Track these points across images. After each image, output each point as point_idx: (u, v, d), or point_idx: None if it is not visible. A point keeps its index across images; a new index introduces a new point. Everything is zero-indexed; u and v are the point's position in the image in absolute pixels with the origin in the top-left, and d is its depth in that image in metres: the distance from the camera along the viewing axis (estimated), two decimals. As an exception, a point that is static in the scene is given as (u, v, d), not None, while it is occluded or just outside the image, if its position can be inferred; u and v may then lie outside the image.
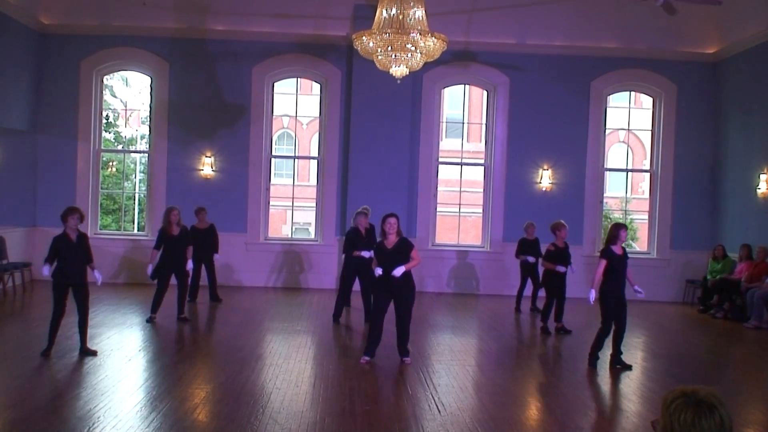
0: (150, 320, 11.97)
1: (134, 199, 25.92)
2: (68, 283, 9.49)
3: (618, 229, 9.92)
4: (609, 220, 29.67)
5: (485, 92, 18.17)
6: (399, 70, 12.26)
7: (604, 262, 9.77)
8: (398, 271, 9.40)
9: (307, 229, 29.34)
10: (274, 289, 16.72)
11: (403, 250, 9.59)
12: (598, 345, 9.91)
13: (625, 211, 22.29)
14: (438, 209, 17.78)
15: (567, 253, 12.71)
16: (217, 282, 14.68)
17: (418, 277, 16.58)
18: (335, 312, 12.84)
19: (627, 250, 10.18)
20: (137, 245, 16.95)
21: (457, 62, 17.15)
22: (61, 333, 10.07)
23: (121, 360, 9.36)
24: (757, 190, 15.44)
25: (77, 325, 9.59)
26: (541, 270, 13.58)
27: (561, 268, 12.47)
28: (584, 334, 12.30)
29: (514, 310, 14.70)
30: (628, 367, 9.80)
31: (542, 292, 14.56)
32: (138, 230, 21.06)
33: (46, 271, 9.57)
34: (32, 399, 7.40)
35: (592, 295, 9.81)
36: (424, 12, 11.74)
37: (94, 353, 9.46)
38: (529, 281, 14.72)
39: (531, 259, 14.38)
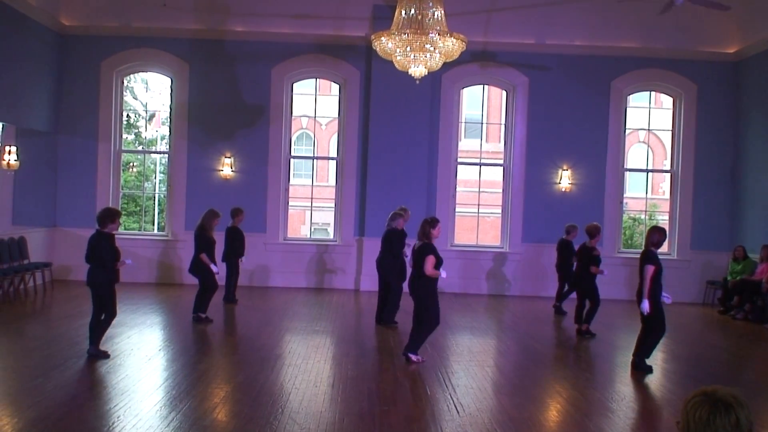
0: (204, 319, 12.10)
1: (154, 200, 26.07)
2: (116, 281, 9.54)
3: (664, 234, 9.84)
4: (635, 221, 29.61)
5: (504, 92, 18.12)
6: (418, 71, 12.26)
7: (652, 268, 9.50)
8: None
9: (326, 229, 29.38)
10: (292, 289, 16.74)
11: (421, 255, 9.70)
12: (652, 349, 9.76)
13: (647, 211, 22.16)
14: (457, 209, 17.75)
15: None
16: (236, 283, 14.63)
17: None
18: (394, 314, 12.48)
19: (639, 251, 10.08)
20: (157, 245, 17.05)
21: (476, 62, 17.11)
22: (82, 333, 10.14)
23: (140, 359, 9.40)
24: (779, 191, 15.32)
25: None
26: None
27: (606, 272, 12.55)
28: (603, 335, 12.24)
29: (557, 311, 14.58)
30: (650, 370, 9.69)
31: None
32: (158, 230, 21.15)
33: (130, 261, 9.76)
34: (52, 398, 7.45)
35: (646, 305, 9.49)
36: (442, 12, 11.73)
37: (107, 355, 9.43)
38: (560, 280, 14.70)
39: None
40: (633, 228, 29.79)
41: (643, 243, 9.90)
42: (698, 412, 2.72)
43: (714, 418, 2.69)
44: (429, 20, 11.55)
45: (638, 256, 9.92)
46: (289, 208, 17.88)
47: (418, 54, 11.76)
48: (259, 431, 6.67)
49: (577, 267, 12.81)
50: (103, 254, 9.22)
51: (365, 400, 7.80)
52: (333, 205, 17.94)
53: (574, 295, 13.49)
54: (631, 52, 17.15)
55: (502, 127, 18.42)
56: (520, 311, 15.06)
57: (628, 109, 17.92)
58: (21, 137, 16.03)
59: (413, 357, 9.63)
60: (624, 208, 18.61)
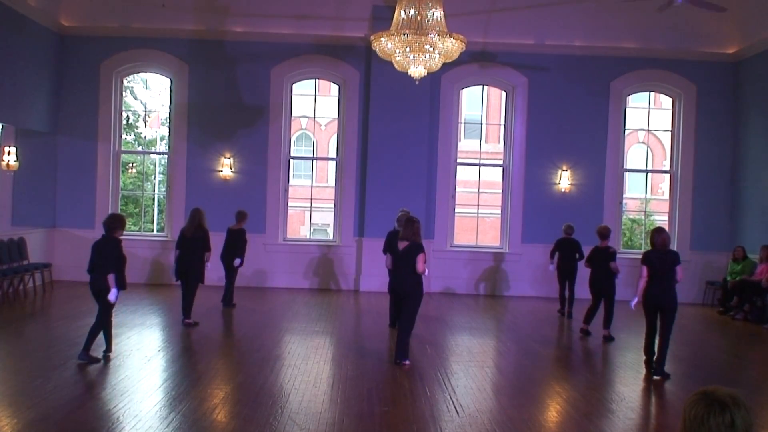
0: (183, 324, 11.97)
1: (154, 201, 26.04)
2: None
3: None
4: (633, 222, 29.59)
5: (504, 93, 18.11)
6: (417, 71, 12.26)
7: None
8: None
9: (326, 230, 29.38)
10: (292, 289, 16.73)
11: (412, 255, 9.55)
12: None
13: (646, 211, 22.16)
14: (456, 210, 17.75)
15: None
16: (234, 286, 14.22)
17: (437, 277, 16.62)
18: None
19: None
20: (156, 246, 17.04)
21: (475, 63, 17.11)
22: (81, 333, 10.13)
23: (140, 360, 9.40)
24: (779, 191, 15.31)
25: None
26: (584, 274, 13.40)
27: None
28: (599, 336, 12.22)
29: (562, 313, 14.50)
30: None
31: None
32: (158, 231, 21.14)
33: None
34: (52, 399, 7.45)
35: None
36: (442, 13, 11.73)
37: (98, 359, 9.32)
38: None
39: None
40: (632, 229, 29.73)
41: (658, 244, 9.67)
42: (694, 410, 2.72)
43: (708, 418, 2.69)
44: (428, 21, 11.55)
45: (639, 256, 9.96)
46: (289, 208, 17.88)
47: (417, 54, 11.75)
48: (258, 432, 6.68)
49: (598, 269, 12.37)
50: (110, 260, 9.16)
51: (365, 401, 7.80)
52: (332, 205, 17.93)
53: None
54: (631, 53, 17.15)
55: (502, 127, 18.42)
56: (520, 312, 15.06)
57: (627, 109, 17.93)
58: (20, 138, 16.03)
59: (407, 362, 9.54)
60: (623, 209, 18.59)
